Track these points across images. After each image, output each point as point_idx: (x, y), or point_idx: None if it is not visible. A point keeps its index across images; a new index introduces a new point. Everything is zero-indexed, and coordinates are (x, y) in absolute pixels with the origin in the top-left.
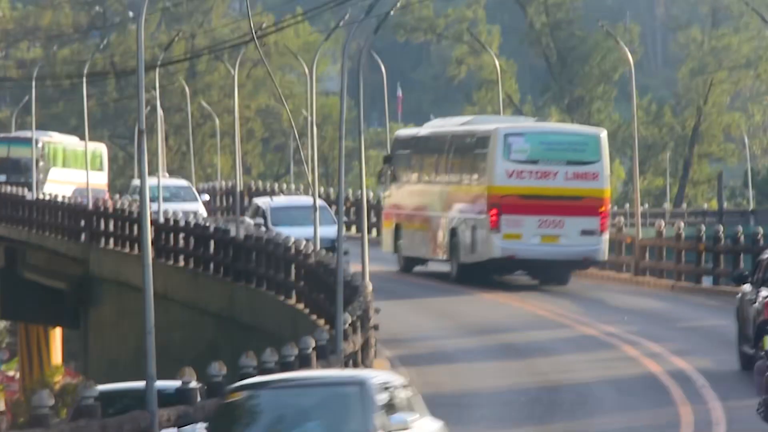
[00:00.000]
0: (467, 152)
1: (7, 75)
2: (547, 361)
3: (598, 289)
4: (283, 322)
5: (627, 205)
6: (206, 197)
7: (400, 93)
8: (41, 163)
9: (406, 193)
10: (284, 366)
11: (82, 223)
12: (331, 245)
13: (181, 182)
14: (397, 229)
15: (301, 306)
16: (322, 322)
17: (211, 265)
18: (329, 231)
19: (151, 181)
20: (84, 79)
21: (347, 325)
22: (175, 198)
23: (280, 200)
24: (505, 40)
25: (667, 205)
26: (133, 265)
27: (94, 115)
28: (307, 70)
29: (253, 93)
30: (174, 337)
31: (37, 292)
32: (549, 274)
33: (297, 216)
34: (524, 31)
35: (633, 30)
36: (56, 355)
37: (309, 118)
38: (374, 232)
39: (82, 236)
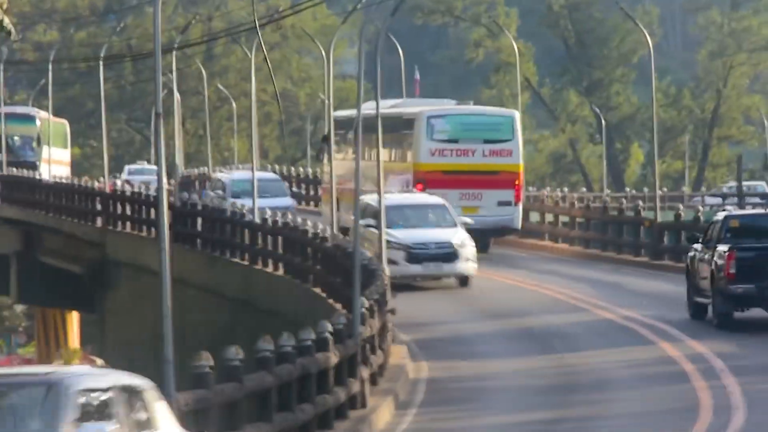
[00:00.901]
0: (396, 132)
1: (23, 58)
2: (564, 345)
3: (615, 272)
4: (300, 306)
5: (645, 189)
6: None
7: (417, 76)
8: (37, 142)
9: (343, 170)
10: (302, 350)
11: (99, 206)
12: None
13: (269, 175)
14: (337, 202)
15: (318, 290)
16: (339, 305)
17: (228, 249)
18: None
19: (238, 174)
20: (101, 62)
21: (364, 309)
22: (263, 193)
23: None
24: (524, 23)
25: (686, 189)
26: (149, 249)
27: (110, 99)
28: (324, 53)
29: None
30: (191, 321)
31: (54, 276)
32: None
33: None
34: (543, 13)
35: (652, 12)
36: (73, 339)
37: (326, 102)
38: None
39: (99, 220)
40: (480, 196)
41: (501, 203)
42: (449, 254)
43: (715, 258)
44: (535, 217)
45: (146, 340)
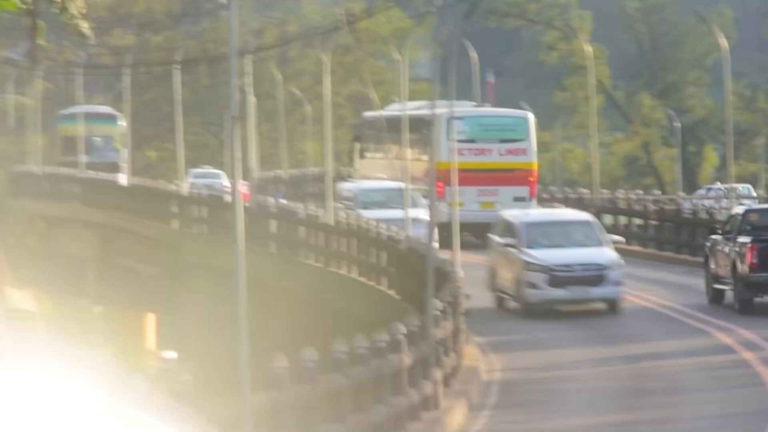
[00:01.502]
0: (418, 132)
1: (101, 62)
2: (638, 347)
3: (690, 275)
4: (373, 308)
5: None
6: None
7: (491, 79)
8: (120, 144)
9: (372, 167)
10: (376, 352)
11: (175, 209)
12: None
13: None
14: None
15: (391, 292)
16: (412, 307)
17: (302, 251)
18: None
19: (368, 185)
20: (177, 66)
21: (438, 311)
22: (393, 204)
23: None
24: (597, 26)
25: (762, 191)
26: (224, 251)
27: (186, 102)
28: (398, 57)
29: (344, 79)
30: (265, 323)
31: (131, 278)
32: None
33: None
34: (616, 16)
35: (726, 14)
36: (150, 341)
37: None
38: None
39: (175, 222)
40: (497, 193)
41: (516, 199)
42: (596, 277)
43: (736, 248)
44: (608, 219)
45: (222, 341)
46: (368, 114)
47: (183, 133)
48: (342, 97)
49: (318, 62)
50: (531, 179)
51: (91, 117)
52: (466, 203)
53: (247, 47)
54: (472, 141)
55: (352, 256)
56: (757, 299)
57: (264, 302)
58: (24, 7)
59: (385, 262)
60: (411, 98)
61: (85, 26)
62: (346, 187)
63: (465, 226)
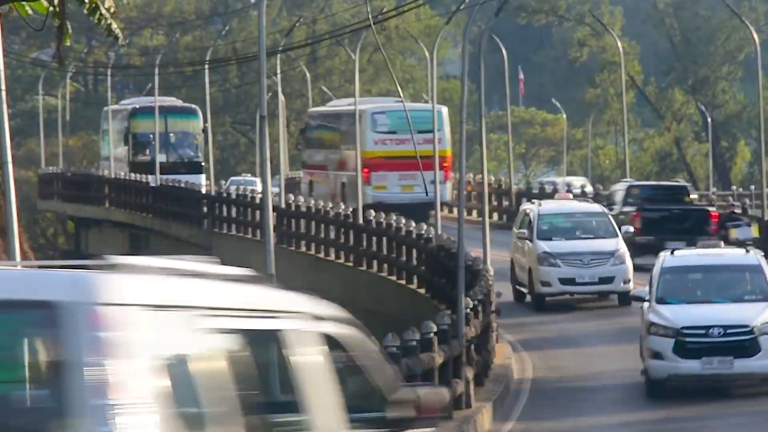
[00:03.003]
0: (349, 126)
1: (130, 63)
2: None
3: None
4: (404, 307)
5: (752, 187)
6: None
7: (521, 75)
8: (200, 141)
9: (315, 157)
10: (407, 350)
11: (204, 209)
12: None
13: (588, 206)
14: (310, 184)
15: (422, 290)
16: (443, 306)
17: (333, 250)
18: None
19: (551, 206)
20: (206, 66)
21: (468, 310)
22: (582, 233)
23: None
24: (628, 21)
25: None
26: (255, 251)
27: (215, 102)
28: (427, 54)
29: (374, 78)
30: None
31: None
32: (411, 213)
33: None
34: (647, 11)
35: (759, 9)
36: None
37: (430, 102)
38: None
39: (204, 222)
40: (415, 177)
41: (433, 182)
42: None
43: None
44: None
45: None
46: (312, 109)
47: (213, 133)
48: (372, 95)
49: (347, 61)
50: (445, 164)
51: (169, 111)
52: (389, 187)
53: (276, 46)
54: (393, 132)
55: (382, 255)
56: None
57: None
58: (52, 8)
59: (415, 260)
60: (440, 95)
61: (115, 27)
62: (526, 208)
63: (389, 207)
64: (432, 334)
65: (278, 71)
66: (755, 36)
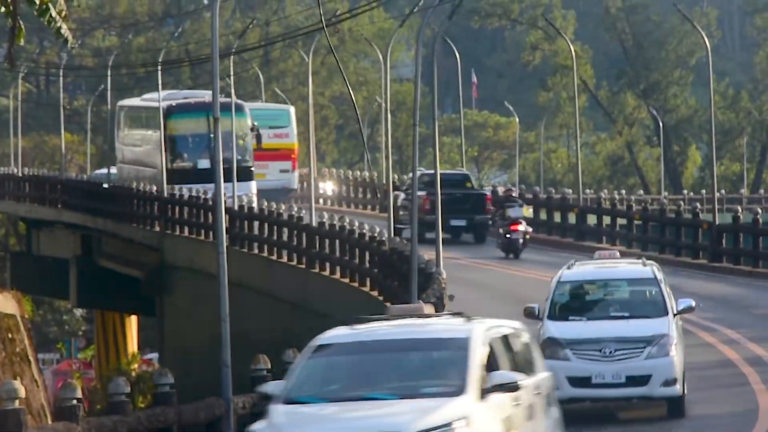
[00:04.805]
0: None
1: (82, 64)
2: None
3: (674, 275)
4: (357, 309)
5: (703, 191)
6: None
7: (474, 79)
8: (249, 142)
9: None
10: None
11: (157, 211)
12: None
13: (638, 271)
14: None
15: (375, 293)
16: None
17: (285, 252)
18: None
19: (582, 271)
20: (159, 68)
21: None
22: (617, 308)
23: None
24: (581, 25)
25: (744, 191)
26: (207, 253)
27: None
28: (381, 57)
29: (327, 80)
30: (249, 325)
31: (113, 280)
32: (267, 197)
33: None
34: (600, 16)
35: (710, 14)
36: (132, 343)
37: (383, 105)
38: None
39: (157, 224)
40: (267, 166)
41: (282, 171)
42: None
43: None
44: (592, 219)
45: (204, 343)
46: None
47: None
48: (326, 97)
49: (300, 63)
50: (293, 156)
51: (207, 108)
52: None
53: (229, 48)
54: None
55: (335, 258)
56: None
57: (247, 304)
58: (3, 9)
59: (367, 263)
60: (393, 98)
61: (65, 29)
62: (564, 275)
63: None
64: None
65: (231, 73)
66: (706, 41)
